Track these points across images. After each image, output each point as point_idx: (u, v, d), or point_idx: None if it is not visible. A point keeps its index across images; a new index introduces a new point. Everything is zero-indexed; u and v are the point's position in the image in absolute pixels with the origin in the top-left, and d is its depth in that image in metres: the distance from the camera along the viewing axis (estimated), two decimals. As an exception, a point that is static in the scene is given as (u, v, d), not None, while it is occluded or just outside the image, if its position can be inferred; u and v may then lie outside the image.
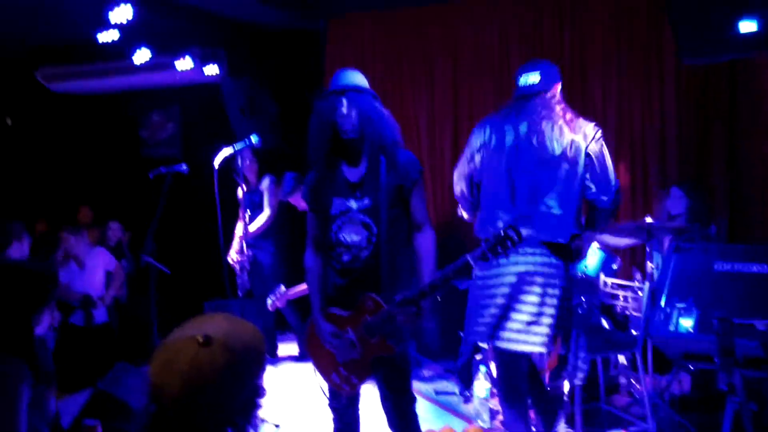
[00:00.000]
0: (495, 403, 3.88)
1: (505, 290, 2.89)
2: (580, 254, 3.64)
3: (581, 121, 3.00)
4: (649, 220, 4.69)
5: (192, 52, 6.05)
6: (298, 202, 5.10)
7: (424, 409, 4.24)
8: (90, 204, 7.35)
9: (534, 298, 2.87)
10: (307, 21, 6.37)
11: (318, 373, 2.77)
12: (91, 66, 6.69)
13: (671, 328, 3.23)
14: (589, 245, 4.64)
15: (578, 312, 4.29)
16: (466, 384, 4.41)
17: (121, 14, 4.77)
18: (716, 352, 2.83)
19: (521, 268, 2.88)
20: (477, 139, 3.04)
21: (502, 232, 2.34)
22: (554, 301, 2.89)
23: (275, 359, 5.60)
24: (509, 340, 2.89)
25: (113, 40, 5.19)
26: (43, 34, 6.43)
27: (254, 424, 1.38)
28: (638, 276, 4.66)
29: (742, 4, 3.52)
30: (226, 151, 4.12)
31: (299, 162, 5.27)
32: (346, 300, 2.63)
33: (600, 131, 3.01)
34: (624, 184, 5.54)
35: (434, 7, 6.03)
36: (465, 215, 3.30)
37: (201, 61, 6.12)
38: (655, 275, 4.21)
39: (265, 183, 5.54)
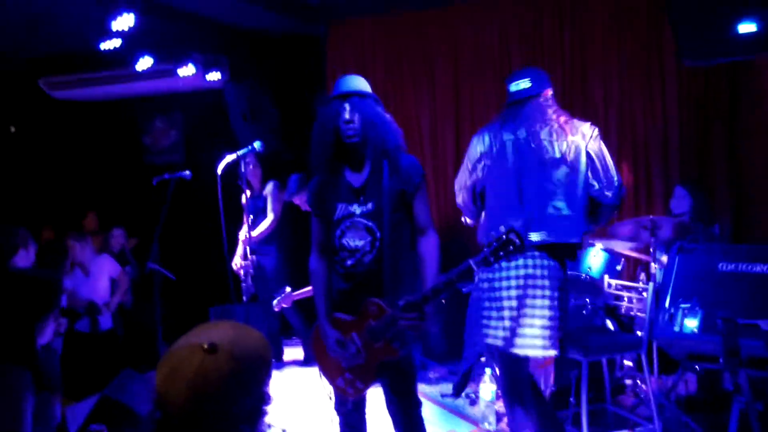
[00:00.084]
0: (501, 406, 3.88)
1: (513, 293, 2.89)
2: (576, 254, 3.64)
3: (576, 122, 3.03)
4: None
5: (194, 59, 6.07)
6: (303, 202, 5.12)
7: (430, 412, 4.25)
8: (94, 211, 7.37)
9: (543, 302, 2.88)
10: (308, 26, 6.38)
11: (323, 378, 2.78)
12: (94, 74, 6.72)
13: (676, 328, 3.24)
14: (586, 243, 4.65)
15: (583, 313, 4.30)
16: (459, 390, 4.41)
17: (124, 22, 4.79)
18: (721, 352, 2.83)
19: (528, 271, 2.89)
20: (477, 148, 3.05)
21: (504, 236, 2.35)
22: (559, 303, 2.91)
23: (281, 364, 5.61)
24: (523, 346, 2.90)
25: (115, 48, 5.21)
26: (46, 43, 6.46)
27: (260, 431, 1.38)
28: (642, 277, 4.66)
29: (742, 5, 3.52)
30: (229, 158, 4.13)
31: (302, 167, 5.31)
32: (350, 305, 2.63)
33: (597, 129, 3.04)
34: (627, 185, 5.55)
35: (434, 10, 6.05)
36: (468, 221, 3.31)
37: (203, 67, 6.15)
38: (659, 276, 4.21)
39: (269, 188, 5.56)
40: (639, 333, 4.22)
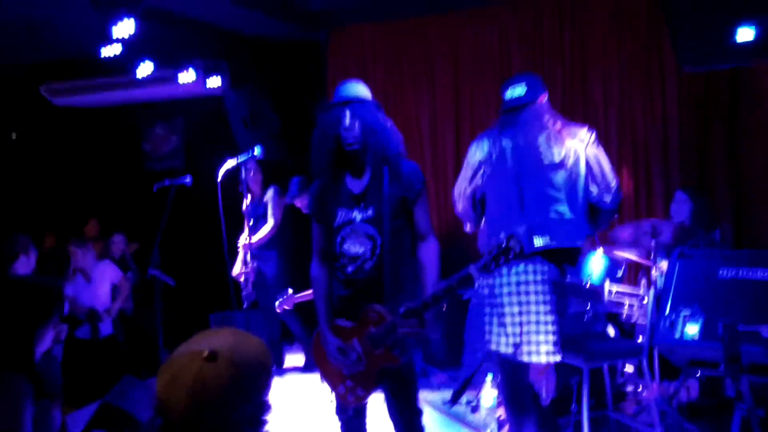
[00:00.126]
0: (502, 413, 3.87)
1: (514, 300, 2.89)
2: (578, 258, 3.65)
3: (573, 127, 3.04)
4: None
5: (195, 65, 6.08)
6: (304, 206, 5.12)
7: (431, 419, 4.23)
8: (95, 217, 7.38)
9: (542, 307, 2.89)
10: (309, 32, 6.40)
11: (325, 385, 2.78)
12: (95, 80, 6.73)
13: (677, 335, 3.23)
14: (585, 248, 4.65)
15: (584, 320, 4.29)
16: (457, 397, 4.40)
17: (124, 28, 4.79)
18: (722, 358, 2.82)
19: (528, 277, 2.89)
20: (476, 155, 3.05)
21: (504, 242, 2.35)
22: (556, 308, 2.92)
23: (282, 370, 5.60)
24: (528, 352, 2.89)
25: (116, 55, 5.23)
26: (47, 49, 6.47)
27: (261, 439, 1.38)
28: (643, 282, 4.65)
29: (740, 13, 3.54)
30: (230, 164, 4.14)
31: (303, 172, 5.33)
32: (350, 311, 2.63)
33: (594, 134, 3.04)
34: (627, 187, 5.55)
35: (434, 15, 6.07)
36: (470, 227, 3.31)
37: (204, 73, 6.15)
38: (660, 282, 4.20)
39: (269, 194, 5.56)
40: (640, 339, 4.21)
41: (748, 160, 5.21)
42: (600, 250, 4.59)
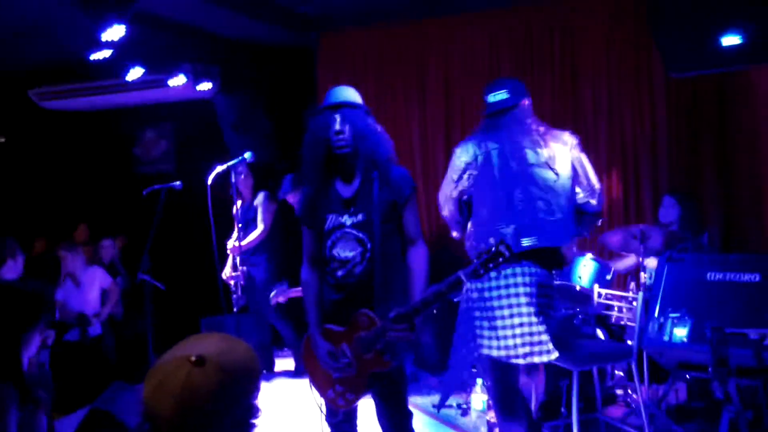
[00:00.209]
0: (492, 416, 3.88)
1: (503, 303, 2.91)
2: (566, 260, 3.69)
3: (556, 132, 3.08)
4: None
5: (185, 69, 6.07)
6: (296, 202, 5.12)
7: (421, 422, 4.24)
8: (85, 222, 7.35)
9: (534, 309, 2.91)
10: (300, 37, 6.41)
11: (314, 389, 2.78)
12: (85, 84, 6.71)
13: (665, 338, 3.25)
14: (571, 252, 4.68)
15: (573, 323, 4.31)
16: (444, 400, 4.41)
17: (114, 33, 4.78)
18: (710, 361, 2.84)
19: (517, 280, 2.91)
20: (461, 158, 3.07)
21: (494, 248, 2.36)
22: (544, 309, 2.94)
23: (272, 375, 5.59)
24: (525, 354, 2.91)
25: (106, 59, 5.21)
26: (36, 54, 6.45)
27: (248, 443, 1.38)
28: (632, 286, 4.68)
29: (725, 19, 3.58)
30: (220, 168, 4.14)
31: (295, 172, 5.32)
32: (341, 315, 2.63)
33: (577, 138, 3.09)
34: (616, 192, 5.59)
35: (425, 21, 6.09)
36: (456, 234, 3.33)
37: (194, 77, 6.15)
38: (648, 283, 4.23)
39: (260, 198, 5.55)
40: (629, 342, 4.24)
41: (736, 164, 5.25)
42: (589, 255, 4.62)
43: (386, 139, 2.70)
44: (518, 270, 2.90)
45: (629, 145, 5.56)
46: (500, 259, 2.36)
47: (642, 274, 4.44)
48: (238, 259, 5.25)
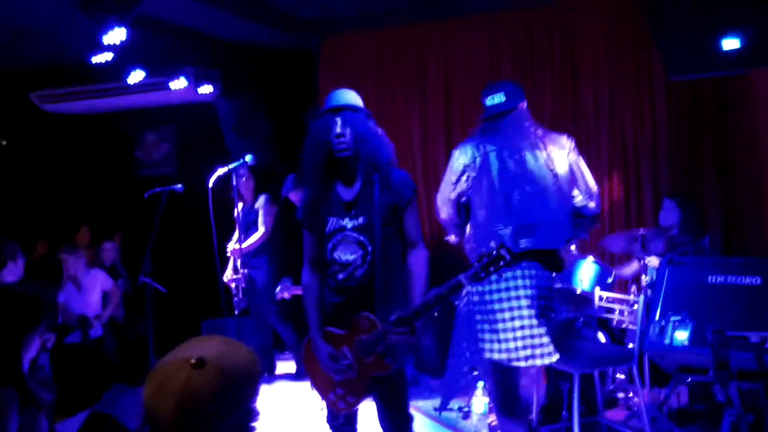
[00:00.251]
0: (494, 419, 3.88)
1: (504, 306, 2.92)
2: (565, 263, 3.71)
3: (554, 135, 3.11)
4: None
5: (186, 72, 6.08)
6: (299, 200, 5.13)
7: (423, 425, 4.24)
8: (87, 225, 7.36)
9: (535, 311, 2.93)
10: (301, 40, 6.42)
11: (315, 392, 2.78)
12: (86, 87, 6.72)
13: (666, 341, 3.24)
14: (572, 255, 4.69)
15: (574, 326, 4.31)
16: (446, 403, 4.41)
17: (116, 36, 4.80)
18: (711, 364, 2.84)
19: (517, 282, 2.92)
20: (459, 160, 3.09)
21: (494, 251, 2.36)
22: (545, 312, 2.95)
23: (273, 377, 5.58)
24: (526, 357, 2.92)
25: (107, 62, 5.22)
26: (37, 56, 6.46)
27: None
28: (633, 289, 4.68)
29: (725, 22, 3.58)
30: (221, 171, 4.15)
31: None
32: (342, 318, 2.63)
33: (573, 141, 3.11)
34: (617, 195, 5.58)
35: (425, 24, 6.10)
36: (453, 238, 3.33)
37: (195, 80, 6.16)
38: (649, 288, 4.23)
39: (261, 201, 5.56)
40: (631, 345, 4.23)
41: (736, 166, 5.25)
42: (590, 258, 4.62)
43: (387, 142, 2.71)
44: (519, 272, 2.91)
45: (630, 146, 5.56)
46: (501, 263, 2.36)
47: (643, 276, 4.44)
48: (239, 262, 5.25)
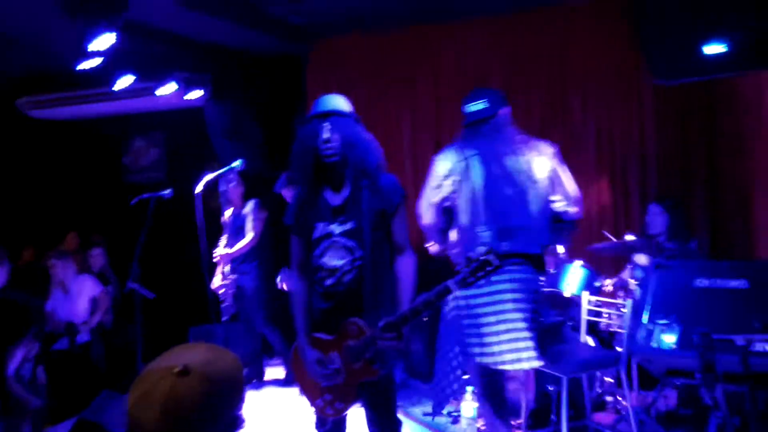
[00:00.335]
0: (483, 424, 3.88)
1: (489, 310, 2.94)
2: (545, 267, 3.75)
3: (535, 141, 3.15)
4: (629, 237, 4.75)
5: (175, 77, 6.07)
6: (291, 196, 5.13)
7: (412, 431, 4.24)
8: (75, 231, 7.31)
9: (518, 315, 2.94)
10: (290, 45, 6.42)
11: (304, 398, 2.77)
12: (73, 93, 6.69)
13: (654, 344, 3.26)
14: (562, 259, 4.72)
15: (562, 330, 4.32)
16: (438, 408, 4.41)
17: (104, 41, 4.78)
18: (698, 367, 2.86)
19: (505, 286, 2.94)
20: (442, 167, 3.12)
21: (482, 257, 2.37)
22: (533, 315, 2.98)
23: (261, 383, 5.56)
24: (512, 361, 2.94)
25: (96, 67, 5.20)
26: (24, 62, 6.43)
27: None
28: (621, 293, 4.70)
29: (711, 27, 3.62)
30: (209, 177, 4.15)
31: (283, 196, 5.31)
32: (329, 324, 2.63)
33: (554, 147, 3.16)
34: (606, 200, 5.62)
35: (415, 29, 6.11)
36: (434, 248, 3.33)
37: (185, 86, 6.15)
38: (637, 292, 4.25)
39: (249, 206, 5.54)
40: (619, 349, 4.25)
41: (723, 171, 5.30)
42: (578, 262, 4.64)
43: (376, 147, 2.71)
44: (505, 276, 2.93)
45: (618, 152, 5.60)
46: (489, 268, 2.37)
47: (630, 281, 4.46)
48: (227, 268, 5.24)
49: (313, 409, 2.74)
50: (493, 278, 2.88)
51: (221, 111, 6.65)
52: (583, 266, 4.62)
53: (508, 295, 2.94)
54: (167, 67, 6.06)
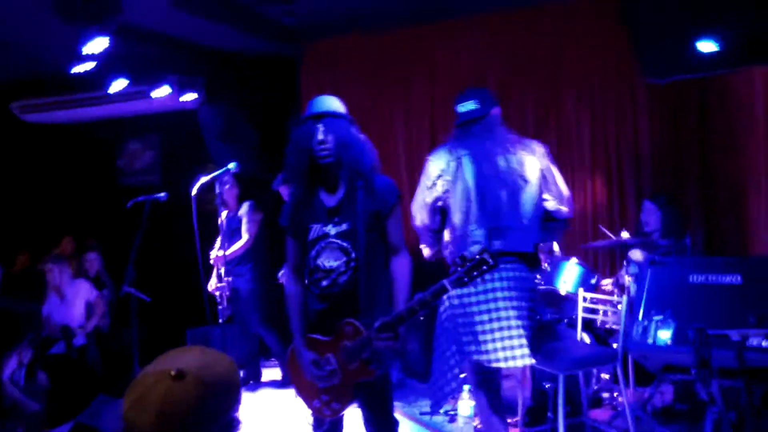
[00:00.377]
0: (479, 422, 3.89)
1: (482, 308, 2.95)
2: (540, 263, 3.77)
3: (525, 140, 3.17)
4: (625, 234, 4.76)
5: (169, 80, 6.06)
6: (287, 194, 5.13)
7: (409, 430, 4.24)
8: (70, 235, 7.29)
9: (514, 312, 2.96)
10: (284, 47, 6.41)
11: (300, 399, 2.77)
12: (67, 96, 6.67)
13: (649, 340, 3.27)
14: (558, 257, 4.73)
15: (558, 327, 4.34)
16: (436, 407, 4.42)
17: (98, 45, 4.78)
18: (693, 363, 2.87)
19: (502, 284, 2.96)
20: (435, 167, 3.14)
21: (478, 256, 2.38)
22: (529, 313, 3.00)
23: (258, 385, 5.56)
24: (506, 358, 2.95)
25: (89, 71, 5.20)
26: (18, 66, 6.41)
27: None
28: (616, 291, 4.71)
29: (702, 25, 3.63)
30: (204, 179, 4.14)
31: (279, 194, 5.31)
32: (325, 325, 2.63)
33: (545, 147, 3.17)
34: (601, 198, 5.63)
35: (410, 29, 6.11)
36: (427, 252, 3.33)
37: (179, 88, 6.14)
38: (633, 289, 4.26)
39: (245, 208, 5.54)
40: (615, 345, 4.26)
41: (716, 168, 5.32)
42: (573, 260, 4.65)
43: (370, 148, 2.72)
44: (496, 275, 2.94)
45: (612, 149, 5.62)
46: (484, 267, 2.38)
47: (626, 277, 4.48)
48: (222, 270, 5.23)
49: (310, 411, 2.75)
50: (486, 277, 2.90)
51: (215, 113, 6.64)
52: (578, 264, 4.63)
53: (501, 293, 2.95)
54: (161, 70, 6.05)
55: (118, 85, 5.76)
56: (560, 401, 3.52)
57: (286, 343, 4.31)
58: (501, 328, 2.93)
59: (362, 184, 2.63)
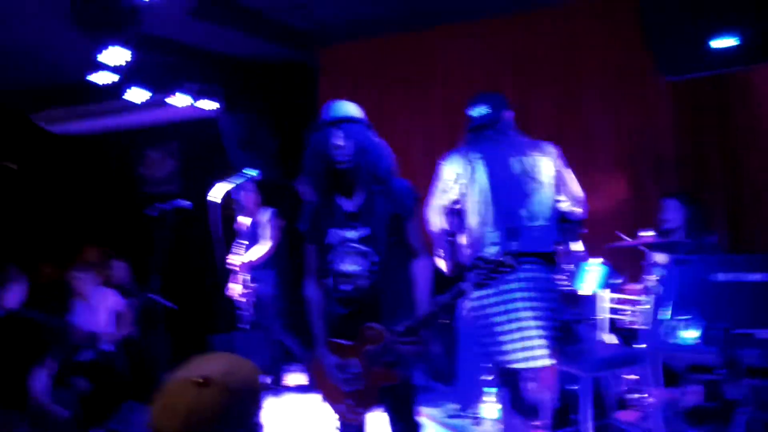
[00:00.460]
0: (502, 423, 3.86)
1: (501, 309, 2.97)
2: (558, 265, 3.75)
3: (539, 143, 3.18)
4: (646, 234, 4.70)
5: (188, 89, 6.12)
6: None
7: (434, 433, 4.24)
8: (94, 244, 7.37)
9: (534, 313, 2.96)
10: (300, 52, 6.45)
11: (326, 404, 2.78)
12: (90, 107, 6.77)
13: (676, 340, 3.25)
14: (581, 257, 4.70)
15: (583, 328, 4.30)
16: (465, 408, 4.41)
17: (117, 55, 4.84)
18: (720, 362, 2.84)
19: (521, 285, 2.96)
20: (450, 171, 3.17)
21: (497, 258, 2.38)
22: (552, 314, 2.99)
23: (281, 389, 5.58)
24: (526, 359, 2.95)
25: (111, 82, 5.27)
26: (40, 77, 6.51)
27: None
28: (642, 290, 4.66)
29: (719, 21, 3.59)
30: (226, 186, 4.17)
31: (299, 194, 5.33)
32: (348, 330, 2.64)
33: (558, 149, 3.17)
34: (621, 199, 5.57)
35: (424, 32, 6.11)
36: (444, 265, 3.29)
37: (197, 97, 6.20)
38: (657, 289, 4.21)
39: (266, 215, 5.57)
40: (641, 346, 4.21)
41: (739, 164, 5.24)
42: (597, 260, 4.61)
43: (388, 152, 2.72)
44: (514, 276, 2.92)
45: (634, 147, 5.55)
46: (502, 269, 2.37)
47: (650, 277, 4.43)
48: (249, 276, 5.27)
49: (336, 415, 2.75)
50: (505, 278, 2.90)
51: (235, 121, 6.69)
52: (602, 264, 4.59)
53: (520, 294, 2.96)
54: (179, 78, 6.11)
55: (139, 95, 5.82)
56: (588, 402, 3.49)
57: (308, 348, 4.32)
58: (520, 329, 2.93)
59: (380, 188, 2.64)
